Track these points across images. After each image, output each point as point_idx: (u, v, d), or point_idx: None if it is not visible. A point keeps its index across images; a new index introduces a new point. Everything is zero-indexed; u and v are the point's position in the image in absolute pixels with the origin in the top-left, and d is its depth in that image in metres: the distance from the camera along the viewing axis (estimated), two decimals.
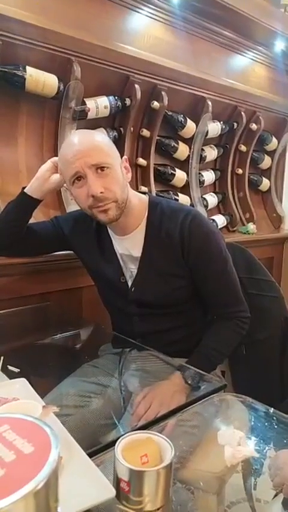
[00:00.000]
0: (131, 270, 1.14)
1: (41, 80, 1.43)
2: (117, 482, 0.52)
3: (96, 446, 0.68)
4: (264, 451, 0.78)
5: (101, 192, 1.00)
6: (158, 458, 0.54)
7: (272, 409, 0.84)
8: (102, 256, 1.17)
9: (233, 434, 0.67)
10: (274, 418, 0.83)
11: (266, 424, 0.84)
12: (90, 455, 0.64)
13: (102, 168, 1.00)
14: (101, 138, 1.09)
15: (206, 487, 0.79)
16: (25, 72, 1.39)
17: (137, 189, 1.87)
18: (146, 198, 1.15)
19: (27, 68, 1.40)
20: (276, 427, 0.81)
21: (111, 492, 0.51)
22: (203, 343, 1.11)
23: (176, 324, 1.16)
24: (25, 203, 1.19)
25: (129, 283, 1.14)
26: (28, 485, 0.30)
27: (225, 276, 1.13)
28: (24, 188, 1.20)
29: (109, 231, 1.16)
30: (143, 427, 0.80)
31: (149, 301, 1.13)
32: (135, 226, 1.11)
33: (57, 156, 1.57)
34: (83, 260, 1.26)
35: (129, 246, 1.13)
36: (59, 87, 1.49)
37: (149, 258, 1.11)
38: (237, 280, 1.17)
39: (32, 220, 1.25)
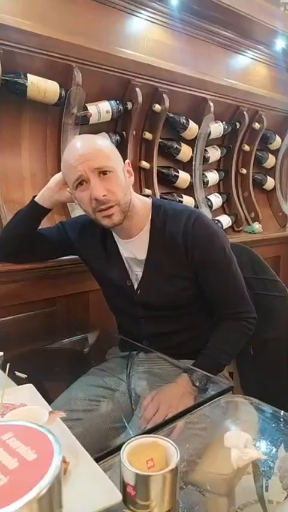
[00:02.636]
0: (136, 273, 1.15)
1: (43, 87, 1.45)
2: (123, 486, 0.52)
3: (106, 450, 0.68)
4: (273, 452, 0.77)
5: (104, 195, 1.00)
6: (164, 462, 0.54)
7: (282, 412, 0.83)
8: (107, 261, 1.18)
9: (240, 437, 0.67)
10: (282, 419, 0.82)
11: (275, 425, 0.83)
12: (99, 459, 0.64)
13: (104, 172, 1.01)
14: (103, 142, 1.09)
15: (215, 489, 0.79)
16: (26, 80, 1.41)
17: (140, 191, 1.87)
18: (149, 200, 1.16)
19: (29, 75, 1.41)
20: (283, 428, 0.80)
21: (118, 497, 0.51)
22: (210, 344, 1.11)
23: (182, 326, 1.17)
24: (35, 212, 1.20)
25: (135, 286, 1.15)
26: (31, 492, 0.30)
27: (230, 276, 1.13)
28: (34, 197, 1.22)
29: (114, 235, 1.17)
30: (151, 431, 0.80)
31: (155, 303, 1.13)
32: (139, 230, 1.12)
33: (59, 160, 1.60)
34: (89, 265, 1.27)
35: (134, 249, 1.14)
36: (60, 94, 1.50)
37: (153, 260, 1.11)
38: (243, 280, 1.16)
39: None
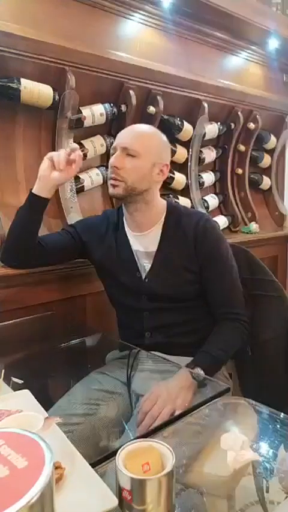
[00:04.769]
0: (144, 265, 1.21)
1: (36, 91, 1.45)
2: (119, 491, 0.52)
3: (104, 454, 0.68)
4: (273, 454, 0.77)
5: (115, 166, 1.14)
6: (159, 466, 0.54)
7: (282, 414, 0.83)
8: (118, 255, 1.23)
9: (236, 439, 0.67)
10: (281, 421, 0.82)
11: (275, 427, 0.83)
12: (95, 464, 0.64)
13: (129, 154, 1.14)
14: (149, 133, 1.21)
15: (213, 491, 0.79)
16: (20, 84, 1.41)
17: None
18: (164, 202, 1.26)
19: (22, 80, 1.41)
20: (281, 429, 0.80)
21: (114, 502, 0.51)
22: (208, 341, 1.12)
23: (184, 318, 1.20)
24: (35, 203, 1.21)
25: (143, 277, 1.20)
26: (22, 500, 0.30)
27: (230, 278, 1.20)
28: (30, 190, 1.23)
29: (126, 228, 1.24)
30: (147, 434, 0.80)
31: (161, 292, 1.18)
32: (152, 225, 1.20)
33: None
34: (99, 262, 1.28)
35: (145, 242, 1.21)
36: (54, 97, 1.50)
37: (163, 252, 1.18)
38: (241, 287, 1.22)
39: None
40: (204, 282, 1.18)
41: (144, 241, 1.21)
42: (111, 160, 1.17)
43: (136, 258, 1.21)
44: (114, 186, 1.16)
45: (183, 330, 1.20)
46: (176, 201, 2.00)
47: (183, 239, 1.17)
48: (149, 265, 1.19)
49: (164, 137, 1.23)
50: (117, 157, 1.15)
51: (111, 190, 1.18)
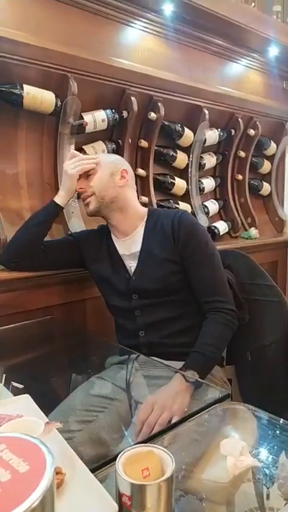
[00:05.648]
0: (130, 266, 1.26)
1: (39, 97, 1.46)
2: (119, 497, 0.52)
3: (106, 459, 0.68)
4: (273, 460, 0.77)
5: (81, 188, 1.28)
6: (159, 471, 0.54)
7: (282, 420, 0.83)
8: (109, 261, 1.29)
9: (235, 444, 0.67)
10: (280, 426, 0.82)
11: (275, 433, 0.83)
12: (95, 469, 0.64)
13: (88, 174, 1.27)
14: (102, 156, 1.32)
15: (213, 497, 0.79)
16: (22, 90, 1.42)
17: (137, 199, 1.88)
18: (146, 208, 1.33)
19: (25, 86, 1.43)
20: (281, 435, 0.80)
21: (114, 507, 0.51)
22: (197, 342, 1.13)
23: (175, 314, 1.22)
24: (55, 211, 1.34)
25: (131, 274, 1.26)
26: (23, 504, 0.30)
27: (211, 266, 1.22)
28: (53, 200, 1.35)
29: (112, 235, 1.32)
30: (147, 440, 0.80)
31: (148, 287, 1.22)
32: (134, 228, 1.27)
33: (56, 170, 1.62)
34: (93, 270, 1.34)
35: (129, 245, 1.27)
36: (56, 104, 1.51)
37: (146, 250, 1.24)
38: (224, 275, 1.26)
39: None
40: (186, 271, 1.22)
41: (128, 245, 1.28)
42: (76, 188, 1.29)
43: (123, 261, 1.27)
44: (87, 204, 1.27)
45: (176, 327, 1.21)
46: (176, 206, 2.01)
47: (162, 233, 1.23)
48: (135, 265, 1.25)
49: (112, 155, 1.43)
50: (79, 183, 1.28)
51: (87, 209, 1.29)
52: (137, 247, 1.25)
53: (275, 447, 0.81)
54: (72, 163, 1.28)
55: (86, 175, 1.28)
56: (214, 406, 0.87)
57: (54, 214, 1.34)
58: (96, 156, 1.33)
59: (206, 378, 1.08)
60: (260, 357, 1.34)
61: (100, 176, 1.26)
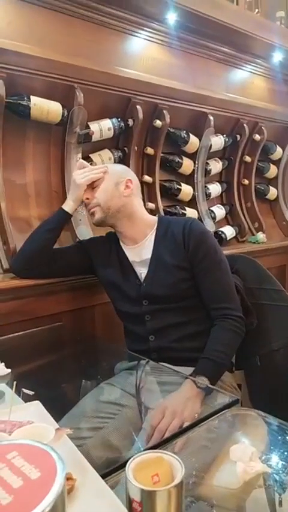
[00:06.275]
0: (141, 272, 1.28)
1: (45, 108, 1.49)
2: (129, 502, 0.52)
3: (116, 465, 0.69)
4: (283, 466, 0.77)
5: (87, 198, 1.31)
6: (169, 477, 0.54)
7: None
8: (119, 268, 1.31)
9: (245, 450, 0.67)
10: None
11: (285, 438, 0.83)
12: (105, 475, 0.64)
13: (94, 186, 1.30)
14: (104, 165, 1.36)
15: (223, 503, 0.79)
16: (29, 101, 1.45)
17: (144, 205, 1.89)
18: (155, 216, 1.36)
19: (32, 97, 1.45)
20: None
21: None
22: (206, 348, 1.14)
23: (185, 319, 1.23)
24: (65, 219, 1.37)
25: (141, 281, 1.27)
26: (35, 510, 0.31)
27: (219, 272, 1.24)
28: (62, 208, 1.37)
29: (121, 243, 1.34)
30: (157, 446, 0.80)
31: (158, 294, 1.23)
32: (143, 237, 1.29)
33: (64, 179, 1.65)
34: (103, 276, 1.35)
35: (139, 252, 1.29)
36: (63, 114, 1.54)
37: (156, 257, 1.26)
38: (232, 282, 1.27)
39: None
40: (196, 278, 1.23)
41: (138, 252, 1.29)
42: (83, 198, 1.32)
43: (134, 268, 1.29)
44: (93, 214, 1.30)
45: (185, 332, 1.22)
46: (183, 212, 2.02)
47: (173, 241, 1.25)
48: (145, 272, 1.26)
49: (117, 165, 1.43)
50: (85, 194, 1.31)
51: (93, 219, 1.32)
52: (147, 254, 1.27)
53: (286, 453, 0.80)
54: (81, 173, 1.30)
55: (92, 186, 1.30)
56: (224, 411, 0.87)
57: (63, 221, 1.36)
58: (105, 166, 1.35)
59: (215, 384, 1.08)
60: (269, 362, 1.33)
61: (105, 187, 1.29)
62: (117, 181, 1.30)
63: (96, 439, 1.01)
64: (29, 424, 0.69)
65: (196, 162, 2.10)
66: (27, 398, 0.85)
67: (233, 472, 0.72)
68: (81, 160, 1.42)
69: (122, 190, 1.28)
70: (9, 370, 1.00)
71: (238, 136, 2.29)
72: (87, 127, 1.64)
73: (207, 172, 2.17)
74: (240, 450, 0.68)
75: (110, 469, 0.67)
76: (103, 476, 0.61)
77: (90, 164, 1.43)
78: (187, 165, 2.06)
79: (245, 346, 1.26)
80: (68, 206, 1.34)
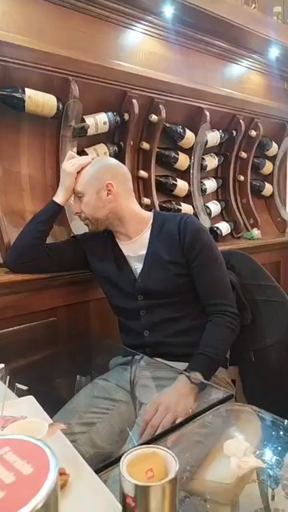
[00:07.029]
0: (136, 267, 1.27)
1: (40, 100, 1.47)
2: (123, 498, 0.52)
3: (109, 460, 0.69)
4: (277, 461, 0.77)
5: (76, 212, 1.31)
6: (163, 472, 0.54)
7: (286, 421, 0.83)
8: (115, 263, 1.30)
9: (239, 445, 0.67)
10: (284, 427, 0.82)
11: (278, 434, 0.83)
12: (99, 470, 0.64)
13: (79, 196, 1.30)
14: (85, 171, 1.30)
15: (216, 498, 0.79)
16: (24, 94, 1.43)
17: (139, 201, 1.89)
18: (150, 212, 1.34)
19: (26, 89, 1.43)
20: (284, 436, 0.80)
21: (118, 508, 0.51)
22: (201, 344, 1.14)
23: (179, 314, 1.23)
24: (56, 211, 1.36)
25: (136, 276, 1.26)
26: (27, 506, 0.31)
27: (214, 268, 1.24)
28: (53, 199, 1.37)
29: (116, 239, 1.33)
30: (152, 441, 0.80)
31: (153, 288, 1.23)
32: (139, 232, 1.28)
33: (59, 172, 1.63)
34: (98, 271, 1.35)
35: (134, 248, 1.29)
36: (58, 107, 1.52)
37: (152, 253, 1.25)
38: (227, 278, 1.27)
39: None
40: (191, 273, 1.23)
41: (133, 247, 1.29)
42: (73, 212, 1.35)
43: (129, 263, 1.28)
44: (86, 224, 1.32)
45: (180, 327, 1.22)
46: (178, 208, 2.02)
47: (168, 236, 1.24)
48: (141, 267, 1.26)
49: (97, 164, 1.30)
50: (74, 207, 1.32)
51: (87, 228, 1.35)
52: (143, 249, 1.26)
53: (279, 448, 0.81)
54: (70, 162, 1.30)
55: (78, 197, 1.30)
56: (218, 407, 0.87)
57: (54, 213, 1.35)
58: (92, 157, 1.34)
59: (209, 379, 1.08)
60: (263, 357, 1.34)
61: (87, 201, 1.27)
62: (97, 189, 1.26)
63: (90, 434, 1.01)
64: (22, 419, 0.69)
65: (192, 158, 2.09)
66: (21, 394, 0.85)
67: (226, 466, 0.72)
68: (70, 152, 1.41)
69: (105, 198, 1.25)
70: (2, 365, 0.99)
71: (234, 132, 2.29)
72: (83, 120, 1.62)
73: (203, 167, 2.17)
74: (234, 445, 0.68)
75: (104, 464, 0.67)
76: (96, 472, 0.61)
77: None
78: (183, 161, 2.05)
79: (240, 342, 1.27)
80: (58, 197, 1.33)
